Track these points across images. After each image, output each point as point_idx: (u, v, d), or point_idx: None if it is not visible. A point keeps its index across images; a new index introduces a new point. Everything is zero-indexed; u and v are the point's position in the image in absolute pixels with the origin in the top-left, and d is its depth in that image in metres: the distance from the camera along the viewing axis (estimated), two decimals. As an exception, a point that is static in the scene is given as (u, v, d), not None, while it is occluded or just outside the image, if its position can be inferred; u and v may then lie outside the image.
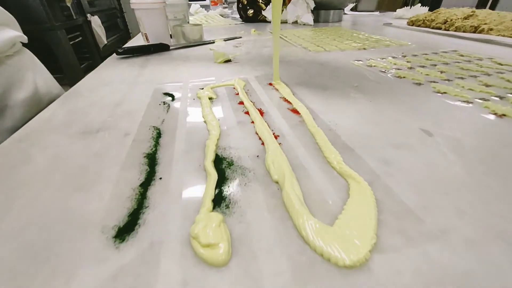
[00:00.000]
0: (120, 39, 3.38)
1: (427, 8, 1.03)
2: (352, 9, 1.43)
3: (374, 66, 0.44)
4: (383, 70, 0.42)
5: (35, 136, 0.25)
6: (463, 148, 0.22)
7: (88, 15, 2.52)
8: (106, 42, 2.81)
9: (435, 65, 0.43)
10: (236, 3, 1.48)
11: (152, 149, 0.22)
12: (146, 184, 0.18)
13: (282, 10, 1.03)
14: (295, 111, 0.29)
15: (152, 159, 0.21)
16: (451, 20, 0.71)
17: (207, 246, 0.13)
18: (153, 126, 0.26)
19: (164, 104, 0.31)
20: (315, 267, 0.13)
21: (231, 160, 0.21)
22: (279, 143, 0.23)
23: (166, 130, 0.25)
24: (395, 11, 1.12)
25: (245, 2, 1.02)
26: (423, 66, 0.43)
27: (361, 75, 0.40)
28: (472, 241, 0.14)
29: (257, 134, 0.24)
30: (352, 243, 0.13)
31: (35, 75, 0.42)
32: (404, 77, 0.39)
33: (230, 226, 0.15)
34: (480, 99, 0.30)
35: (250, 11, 1.03)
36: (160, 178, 0.19)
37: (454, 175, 0.19)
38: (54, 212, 0.16)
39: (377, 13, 1.35)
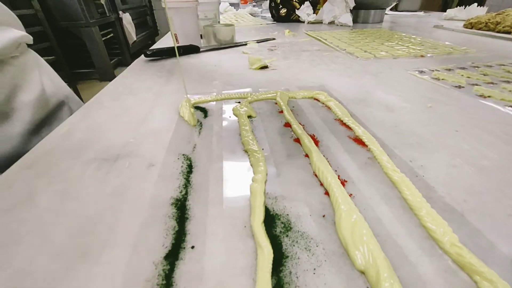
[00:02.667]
0: (149, 36, 3.46)
1: (485, 9, 0.91)
2: (392, 9, 1.32)
3: (443, 79, 0.36)
4: (457, 85, 0.34)
5: (44, 162, 0.21)
6: None
7: (120, 12, 2.59)
8: (135, 38, 2.88)
9: (524, 80, 0.35)
10: (266, 2, 1.42)
11: (181, 191, 0.17)
12: (173, 257, 0.13)
13: (318, 9, 0.96)
14: (359, 141, 0.22)
15: (181, 210, 0.16)
16: (525, 23, 0.61)
17: None
18: (183, 155, 0.21)
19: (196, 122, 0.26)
20: None
21: (288, 220, 0.15)
22: (350, 194, 0.17)
23: (198, 162, 0.20)
24: (440, 10, 1.01)
25: (278, 1, 0.96)
26: (508, 82, 0.35)
27: (431, 92, 0.32)
28: None
29: (315, 175, 0.19)
30: None
31: (41, 75, 0.40)
32: (489, 97, 0.31)
33: None
34: None
35: (283, 10, 0.96)
36: (192, 247, 0.14)
37: None
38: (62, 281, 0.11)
39: (421, 13, 1.23)
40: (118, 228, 0.15)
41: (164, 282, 0.12)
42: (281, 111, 0.28)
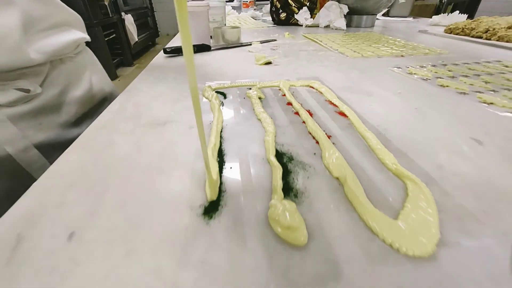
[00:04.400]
0: (150, 37, 3.53)
1: (465, 16, 1.00)
2: (384, 15, 1.41)
3: (415, 74, 0.45)
4: (424, 78, 0.42)
5: (113, 125, 0.28)
6: (516, 158, 0.22)
7: (123, 13, 2.66)
8: (137, 39, 2.93)
9: (479, 75, 0.43)
10: (266, 6, 1.51)
11: (216, 143, 0.25)
12: (220, 169, 0.21)
13: (315, 14, 1.04)
14: (342, 114, 0.30)
15: (220, 152, 0.23)
16: (494, 29, 0.69)
17: (287, 228, 0.15)
18: (210, 122, 0.29)
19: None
20: (386, 254, 0.14)
21: (291, 155, 0.23)
22: (333, 143, 0.24)
23: (224, 126, 0.28)
24: (430, 17, 1.10)
25: (278, 6, 1.04)
26: (466, 76, 0.43)
27: (403, 82, 0.40)
28: (533, 243, 0.15)
29: (310, 133, 0.26)
30: (417, 235, 0.15)
31: (92, 74, 0.45)
32: (447, 86, 0.39)
33: (301, 214, 0.17)
34: (531, 111, 0.30)
35: (283, 15, 1.05)
36: (231, 168, 0.21)
37: (510, 184, 0.19)
38: (145, 191, 0.19)
39: (410, 18, 1.32)
40: (179, 159, 0.22)
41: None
42: (284, 95, 0.36)
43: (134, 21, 2.85)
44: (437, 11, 2.60)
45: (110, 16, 2.39)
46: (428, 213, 0.16)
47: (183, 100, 0.34)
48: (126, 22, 2.69)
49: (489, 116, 0.30)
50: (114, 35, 2.50)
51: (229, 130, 0.27)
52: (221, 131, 0.27)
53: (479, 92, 0.36)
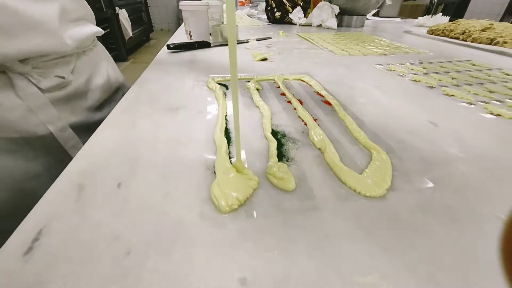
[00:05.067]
0: (144, 32, 3.52)
1: (447, 18, 1.07)
2: (374, 15, 1.48)
3: (394, 70, 0.51)
4: (401, 74, 0.48)
5: (131, 109, 0.33)
6: (460, 136, 0.28)
7: (117, 8, 2.65)
8: (131, 34, 2.93)
9: (448, 72, 0.49)
10: (261, 4, 1.55)
11: (222, 123, 0.30)
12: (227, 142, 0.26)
13: (308, 13, 1.10)
14: (327, 102, 0.36)
15: (226, 131, 0.29)
16: (469, 31, 0.76)
17: (280, 179, 0.21)
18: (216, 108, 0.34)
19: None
20: (351, 195, 0.20)
21: (284, 133, 0.28)
22: (318, 124, 0.30)
23: (228, 111, 0.33)
24: (417, 18, 1.17)
25: (273, 5, 1.09)
26: (437, 73, 0.49)
27: (382, 78, 0.46)
28: (455, 189, 0.21)
29: (299, 117, 0.32)
30: (375, 184, 0.21)
31: (108, 64, 0.50)
32: (419, 81, 0.45)
33: (291, 171, 0.22)
34: (482, 102, 0.36)
35: (278, 13, 1.10)
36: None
37: (450, 152, 0.25)
38: (170, 157, 0.24)
39: (398, 19, 1.39)
40: (193, 135, 0.28)
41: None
42: (278, 86, 0.41)
43: (128, 16, 2.85)
44: (428, 11, 2.70)
45: (104, 10, 2.40)
46: (384, 171, 0.22)
47: (190, 89, 0.39)
48: (121, 17, 2.69)
49: (448, 105, 0.36)
50: (108, 30, 2.50)
51: (233, 114, 0.33)
52: (225, 115, 0.32)
53: (445, 86, 0.42)
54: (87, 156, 0.24)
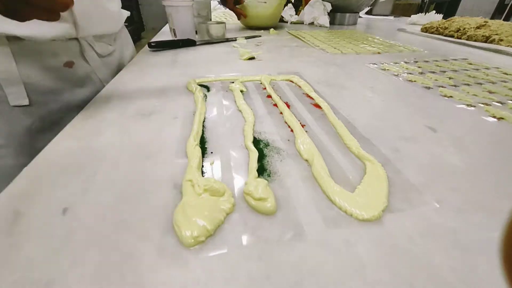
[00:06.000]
0: (134, 31, 3.45)
1: (441, 16, 1.05)
2: (367, 13, 1.46)
3: (388, 70, 0.48)
4: (396, 74, 0.46)
5: (99, 115, 0.29)
6: (462, 143, 0.26)
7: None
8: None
9: (445, 71, 0.47)
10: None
11: (198, 131, 0.27)
12: (202, 155, 0.23)
13: (300, 11, 1.06)
14: (317, 105, 0.33)
15: (202, 141, 0.25)
16: (464, 29, 0.74)
17: (258, 199, 0.18)
18: (194, 113, 0.31)
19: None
20: (340, 219, 0.17)
21: (267, 141, 0.25)
22: (306, 131, 0.27)
23: (207, 116, 0.30)
24: (410, 16, 1.15)
25: (264, 2, 1.06)
26: (433, 72, 0.47)
27: (375, 78, 0.44)
28: (460, 209, 0.18)
29: (286, 123, 0.29)
30: (368, 204, 0.18)
31: (130, 43, 0.62)
32: (414, 81, 0.42)
33: (273, 190, 0.19)
34: (482, 103, 0.34)
35: (268, 11, 1.06)
36: (212, 152, 0.23)
37: (452, 163, 0.23)
38: (134, 173, 0.21)
39: (391, 17, 1.37)
40: (163, 145, 0.24)
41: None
42: (265, 88, 0.38)
43: (118, 14, 2.78)
44: (420, 9, 2.70)
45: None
46: (380, 187, 0.19)
47: (167, 92, 0.36)
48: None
49: (446, 107, 0.33)
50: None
51: (211, 120, 0.29)
52: (204, 121, 0.29)
53: (442, 86, 0.40)
54: (32, 174, 0.20)
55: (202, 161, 0.22)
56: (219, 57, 0.54)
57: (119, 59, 0.54)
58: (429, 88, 0.40)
